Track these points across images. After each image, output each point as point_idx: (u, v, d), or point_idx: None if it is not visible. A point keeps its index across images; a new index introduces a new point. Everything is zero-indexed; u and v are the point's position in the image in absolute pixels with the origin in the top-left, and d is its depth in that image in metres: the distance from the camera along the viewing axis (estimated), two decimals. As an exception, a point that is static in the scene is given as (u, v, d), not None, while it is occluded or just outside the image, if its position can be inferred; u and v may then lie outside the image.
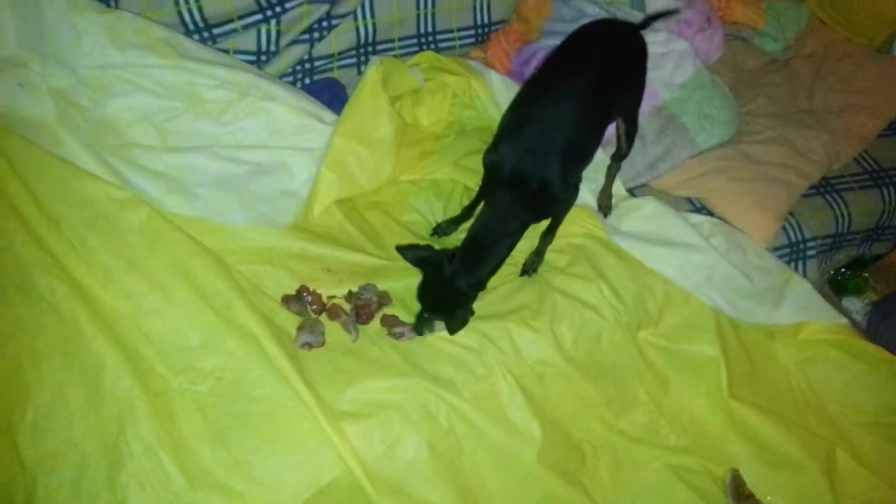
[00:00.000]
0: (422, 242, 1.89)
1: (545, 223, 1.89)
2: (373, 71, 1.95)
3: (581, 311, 1.87)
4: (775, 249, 2.13)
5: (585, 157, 1.83)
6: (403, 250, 1.76)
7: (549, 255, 1.96)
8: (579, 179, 1.86)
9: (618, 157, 2.04)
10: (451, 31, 2.31)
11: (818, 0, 2.62)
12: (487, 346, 1.76)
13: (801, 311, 2.04)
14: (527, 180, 1.68)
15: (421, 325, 1.74)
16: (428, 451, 1.63)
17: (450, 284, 1.69)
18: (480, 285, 1.74)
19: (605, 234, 2.02)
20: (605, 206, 2.09)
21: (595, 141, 1.84)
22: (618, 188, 2.12)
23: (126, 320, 1.61)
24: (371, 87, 1.95)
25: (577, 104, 1.72)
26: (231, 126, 1.86)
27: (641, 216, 2.06)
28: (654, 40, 2.16)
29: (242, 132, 1.87)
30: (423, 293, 1.72)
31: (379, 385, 1.65)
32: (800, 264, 2.16)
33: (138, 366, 1.56)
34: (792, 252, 2.16)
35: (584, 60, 1.78)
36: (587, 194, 2.08)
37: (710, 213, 2.15)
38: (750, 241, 2.08)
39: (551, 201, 1.77)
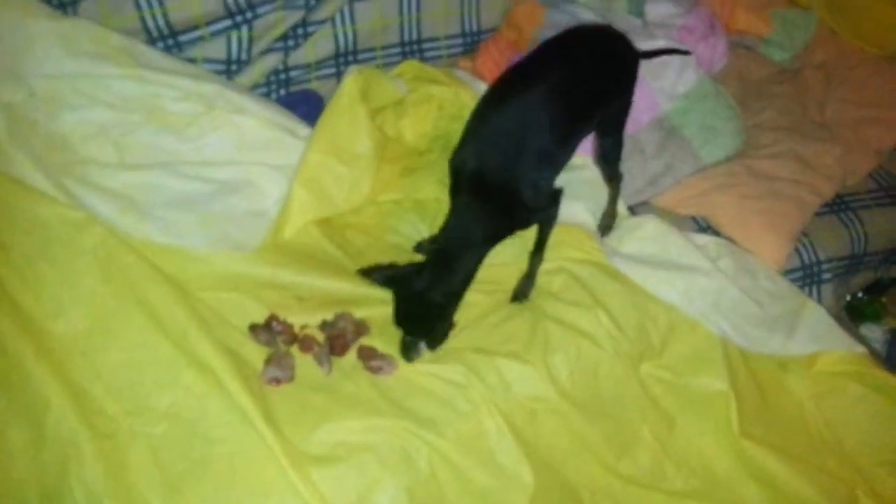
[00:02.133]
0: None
1: (530, 239, 1.75)
2: (350, 81, 1.81)
3: (577, 342, 1.71)
4: (788, 273, 1.97)
5: (555, 162, 1.69)
6: (366, 273, 1.64)
7: (542, 278, 1.81)
8: (558, 191, 1.72)
9: (607, 178, 1.90)
10: (438, 39, 2.17)
11: (827, 8, 2.48)
12: (473, 380, 1.60)
13: (817, 339, 1.88)
14: (491, 182, 1.57)
15: (407, 351, 1.60)
16: (407, 499, 1.46)
17: (422, 299, 1.56)
18: (455, 296, 1.61)
19: (604, 256, 1.86)
20: (603, 225, 1.94)
21: (566, 147, 1.70)
22: (620, 207, 1.96)
23: (76, 355, 1.47)
24: (348, 99, 1.81)
25: (546, 104, 1.60)
26: (196, 141, 1.72)
27: (642, 237, 1.91)
28: (654, 47, 2.01)
29: (209, 148, 1.73)
30: (398, 315, 1.59)
31: (352, 425, 1.50)
32: (814, 289, 2.00)
33: (86, 405, 1.42)
34: (805, 276, 2.00)
35: (559, 61, 1.67)
36: (585, 214, 1.93)
37: (717, 234, 1.99)
38: (760, 264, 1.92)
39: (521, 208, 1.64)
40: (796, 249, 1.99)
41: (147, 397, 1.45)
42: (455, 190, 1.64)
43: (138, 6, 1.73)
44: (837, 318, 1.93)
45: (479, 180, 1.58)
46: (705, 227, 2.01)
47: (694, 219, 2.03)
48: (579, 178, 1.94)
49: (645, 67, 1.99)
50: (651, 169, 1.97)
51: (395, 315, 1.59)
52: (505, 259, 1.83)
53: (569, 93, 1.62)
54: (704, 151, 1.99)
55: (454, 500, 1.51)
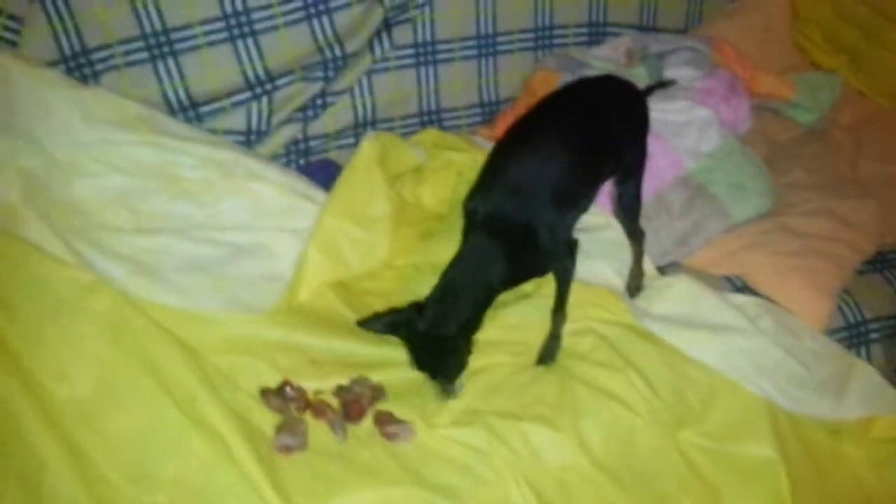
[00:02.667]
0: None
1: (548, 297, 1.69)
2: (367, 145, 1.81)
3: (608, 406, 1.59)
4: (832, 333, 1.84)
5: (573, 207, 1.66)
6: (366, 323, 1.59)
7: (568, 339, 1.71)
8: (574, 242, 1.68)
9: (629, 233, 1.84)
10: (456, 109, 2.18)
11: (851, 69, 2.46)
12: (497, 446, 1.49)
13: (870, 403, 1.73)
14: (507, 223, 1.54)
15: (442, 392, 1.55)
16: (426, 579, 1.35)
17: (429, 337, 1.51)
18: (467, 326, 1.54)
19: (633, 317, 1.77)
20: (631, 286, 1.86)
21: (584, 191, 1.68)
22: (646, 266, 1.89)
23: (78, 420, 1.40)
24: (365, 163, 1.80)
25: (563, 147, 1.60)
26: (211, 208, 1.70)
27: (674, 296, 1.81)
28: (674, 108, 2.00)
29: (224, 214, 1.71)
30: (414, 359, 1.55)
31: (367, 496, 1.39)
32: (862, 349, 1.87)
33: (87, 471, 1.34)
34: (851, 335, 1.87)
35: (568, 107, 1.69)
36: (610, 274, 1.85)
37: (754, 293, 1.89)
38: (802, 324, 1.81)
39: (537, 253, 1.59)
40: (839, 308, 1.87)
41: (152, 465, 1.38)
42: (467, 232, 1.61)
43: (159, 79, 1.77)
44: (890, 380, 1.79)
45: (494, 221, 1.55)
46: (741, 287, 1.91)
47: (728, 279, 1.93)
48: (603, 239, 1.87)
49: (665, 127, 1.98)
50: (678, 228, 1.90)
51: (411, 360, 1.55)
52: (532, 320, 1.75)
53: (580, 134, 1.62)
54: (734, 209, 1.92)
55: (478, 580, 1.38)
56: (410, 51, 2.06)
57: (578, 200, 1.66)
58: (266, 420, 1.50)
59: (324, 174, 1.98)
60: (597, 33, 2.32)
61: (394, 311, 1.59)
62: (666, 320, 1.77)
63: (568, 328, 1.72)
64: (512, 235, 1.55)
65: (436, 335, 1.51)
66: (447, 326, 1.52)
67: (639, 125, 1.79)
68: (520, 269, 1.60)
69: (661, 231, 1.89)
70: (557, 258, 1.64)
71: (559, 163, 1.59)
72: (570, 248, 1.66)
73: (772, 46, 2.50)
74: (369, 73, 2.02)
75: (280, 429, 1.48)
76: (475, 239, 1.59)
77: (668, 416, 1.62)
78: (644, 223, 1.87)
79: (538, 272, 1.67)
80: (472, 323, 1.57)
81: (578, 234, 1.77)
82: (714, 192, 1.93)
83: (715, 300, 1.78)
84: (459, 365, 1.56)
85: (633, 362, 1.67)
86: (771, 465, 1.60)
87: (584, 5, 2.28)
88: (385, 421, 1.53)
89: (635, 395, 1.61)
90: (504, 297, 1.84)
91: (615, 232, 1.89)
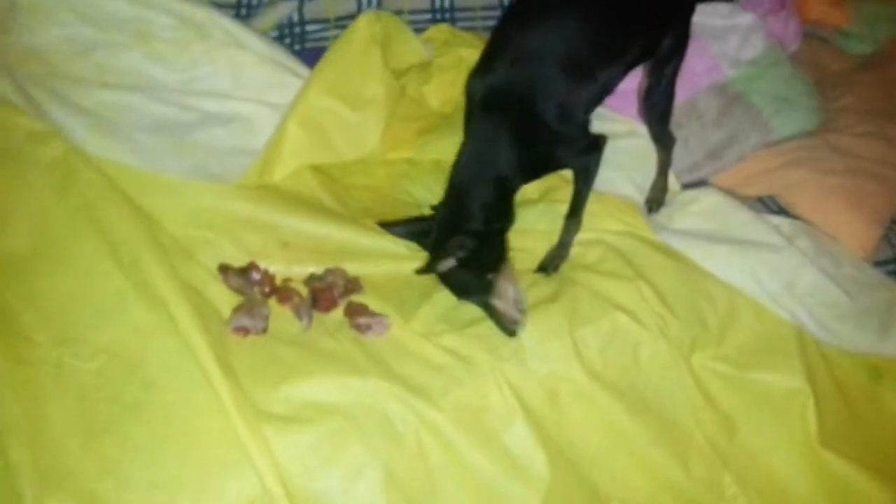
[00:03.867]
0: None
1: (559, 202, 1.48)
2: (364, 21, 1.62)
3: (612, 315, 1.40)
4: (877, 264, 1.62)
5: (587, 79, 1.41)
6: (389, 226, 1.43)
7: (574, 250, 1.52)
8: (599, 137, 1.46)
9: (656, 137, 1.61)
10: (472, 9, 1.97)
11: (915, -1, 2.22)
12: (477, 349, 1.31)
13: (918, 342, 1.51)
14: (507, 97, 1.34)
15: (498, 321, 1.33)
16: (383, 479, 1.17)
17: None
18: (483, 220, 1.36)
19: (649, 230, 1.57)
20: (651, 199, 1.65)
21: (604, 64, 1.42)
22: (672, 180, 1.67)
23: (10, 274, 1.26)
24: (361, 40, 1.61)
25: (579, 5, 1.39)
26: (187, 73, 1.55)
27: (699, 211, 1.61)
28: (715, 11, 1.78)
29: (199, 81, 1.55)
30: (439, 275, 1.37)
31: (326, 383, 1.22)
32: (911, 285, 1.64)
33: (9, 327, 1.20)
34: (900, 270, 1.65)
35: None
36: (628, 186, 1.65)
37: (790, 217, 1.67)
38: (844, 249, 1.59)
39: (547, 136, 1.38)
40: (886, 238, 1.64)
41: (84, 329, 1.22)
42: (468, 116, 1.41)
43: (146, -64, 1.61)
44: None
45: (493, 97, 1.35)
46: (776, 211, 1.69)
47: (761, 200, 1.71)
48: (624, 147, 1.66)
49: (703, 30, 1.76)
50: (712, 139, 1.68)
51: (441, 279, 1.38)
52: (538, 227, 1.56)
53: (612, 5, 1.41)
54: (776, 122, 1.70)
55: (444, 486, 1.20)
56: (427, -68, 1.88)
57: (595, 73, 1.42)
58: (224, 299, 1.33)
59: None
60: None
61: (419, 220, 1.45)
62: (687, 234, 1.57)
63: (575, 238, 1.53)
64: (513, 111, 1.36)
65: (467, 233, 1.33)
66: (463, 224, 1.35)
67: (683, 7, 1.57)
68: (529, 156, 1.39)
69: (692, 140, 1.68)
70: (573, 147, 1.43)
71: (572, 22, 1.38)
72: (594, 142, 1.45)
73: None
74: (379, -45, 1.83)
75: (238, 309, 1.32)
76: (475, 124, 1.40)
77: (681, 333, 1.42)
78: (673, 130, 1.66)
79: (553, 159, 1.45)
80: (494, 215, 1.38)
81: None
82: (754, 101, 1.71)
83: (746, 215, 1.58)
84: (494, 260, 1.37)
85: (644, 274, 1.47)
86: (797, 398, 1.40)
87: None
88: (357, 312, 1.35)
89: (644, 308, 1.42)
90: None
91: (639, 141, 1.68)
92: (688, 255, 1.53)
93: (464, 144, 1.40)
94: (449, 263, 1.32)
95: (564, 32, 1.37)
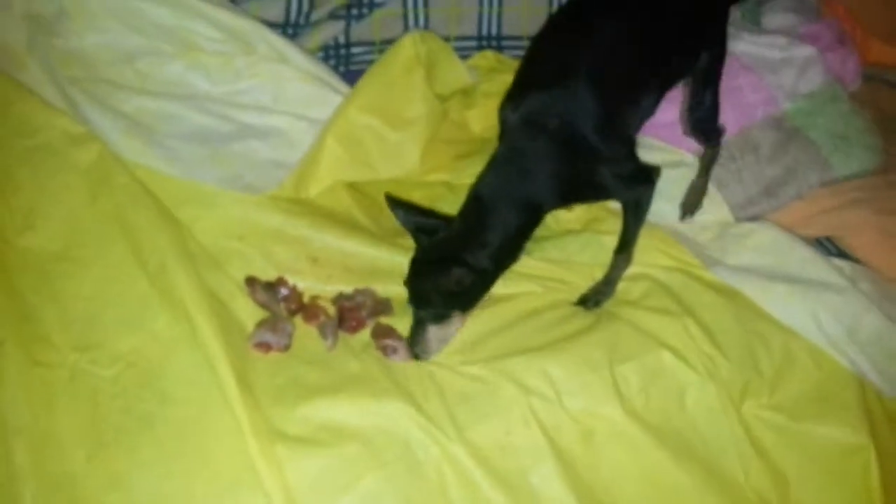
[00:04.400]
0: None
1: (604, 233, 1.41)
2: (409, 41, 1.60)
3: (656, 352, 1.31)
4: (946, 314, 1.50)
5: (627, 97, 1.34)
6: (396, 204, 1.33)
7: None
8: (652, 168, 1.40)
9: (701, 134, 1.53)
10: (520, 38, 1.93)
11: None
12: (505, 380, 1.23)
13: None
14: (548, 116, 1.26)
15: (415, 337, 1.26)
16: (402, 512, 1.08)
17: (445, 252, 1.24)
18: (494, 256, 1.25)
19: (700, 265, 1.48)
20: (688, 203, 1.56)
21: (644, 82, 1.36)
22: (724, 214, 1.59)
23: (35, 274, 1.24)
24: (404, 60, 1.59)
25: (614, 24, 1.33)
26: (230, 85, 1.53)
27: (756, 245, 1.51)
28: (772, 43, 1.71)
29: (241, 94, 1.54)
30: (412, 274, 1.28)
31: (346, 406, 1.16)
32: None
33: (28, 328, 1.16)
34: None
35: None
36: (669, 209, 1.57)
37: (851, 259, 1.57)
38: (910, 297, 1.48)
39: (588, 153, 1.29)
40: (958, 287, 1.52)
41: (104, 334, 1.19)
42: (501, 136, 1.34)
43: (195, -49, 1.62)
44: None
45: (534, 116, 1.28)
46: (835, 253, 1.59)
47: (819, 242, 1.61)
48: (674, 177, 1.58)
49: (758, 62, 1.69)
50: (767, 174, 1.59)
51: (407, 276, 1.29)
52: (580, 259, 1.49)
53: (638, 12, 1.35)
54: (836, 159, 1.60)
55: (467, 528, 1.10)
56: (475, -39, 1.86)
57: (633, 90, 1.36)
58: (249, 313, 1.29)
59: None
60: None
61: (430, 214, 1.38)
62: (743, 270, 1.48)
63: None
64: (552, 130, 1.28)
65: (455, 256, 1.23)
66: (473, 250, 1.25)
67: (717, 19, 1.52)
68: (569, 174, 1.30)
69: (746, 174, 1.59)
70: (621, 170, 1.34)
71: (608, 41, 1.32)
72: (645, 172, 1.38)
73: (890, 15, 2.18)
74: (426, -20, 1.82)
75: (262, 324, 1.27)
76: (509, 141, 1.32)
77: (732, 377, 1.32)
78: (726, 163, 1.59)
79: (597, 189, 1.36)
80: (506, 251, 1.29)
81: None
82: (812, 137, 1.62)
83: (805, 252, 1.48)
84: (472, 299, 1.29)
85: (693, 312, 1.38)
86: (857, 455, 1.28)
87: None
88: (383, 334, 1.29)
89: (691, 347, 1.32)
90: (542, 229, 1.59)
91: (689, 171, 1.60)
92: (743, 292, 1.44)
93: (493, 159, 1.31)
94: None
95: (600, 51, 1.31)
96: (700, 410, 1.29)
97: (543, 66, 1.34)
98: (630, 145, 1.38)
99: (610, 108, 1.31)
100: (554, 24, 1.47)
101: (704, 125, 1.51)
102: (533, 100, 1.29)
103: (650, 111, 1.41)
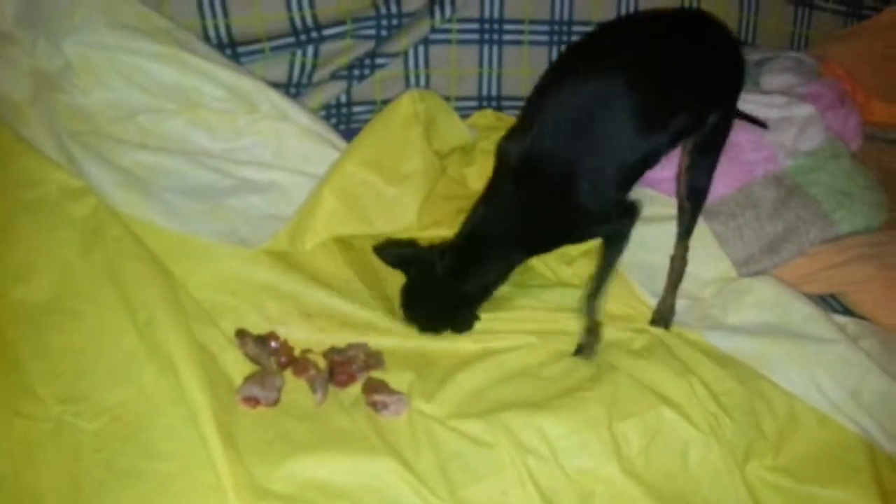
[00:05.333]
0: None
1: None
2: (409, 99, 1.61)
3: (657, 410, 1.27)
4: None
5: (630, 152, 1.34)
6: (380, 250, 1.41)
7: (617, 334, 1.42)
8: (634, 203, 1.39)
9: (686, 212, 1.48)
10: (519, 98, 1.95)
11: None
12: (502, 438, 1.19)
13: None
14: (545, 167, 1.29)
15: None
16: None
17: (445, 285, 1.31)
18: (484, 289, 1.34)
19: (694, 334, 1.46)
20: (658, 318, 1.49)
21: (646, 135, 1.34)
22: (725, 268, 1.56)
23: (25, 326, 1.22)
24: (403, 117, 1.60)
25: (623, 79, 1.31)
26: (230, 143, 1.54)
27: (756, 302, 1.48)
28: (771, 102, 1.72)
29: (242, 151, 1.55)
30: (410, 298, 1.35)
31: (333, 463, 1.12)
32: None
33: (13, 378, 1.14)
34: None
35: (642, 35, 1.42)
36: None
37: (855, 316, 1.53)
38: (917, 355, 1.43)
39: (576, 214, 1.32)
40: (969, 346, 1.48)
41: (91, 387, 1.16)
42: (496, 176, 1.37)
43: (202, 13, 1.64)
44: None
45: (531, 163, 1.29)
46: (840, 311, 1.56)
47: (824, 299, 1.58)
48: (671, 232, 1.56)
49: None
50: (768, 231, 1.57)
51: (402, 296, 1.36)
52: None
53: (646, 67, 1.34)
54: (837, 216, 1.58)
55: None
56: (475, 25, 1.88)
57: (638, 146, 1.34)
58: (239, 367, 1.27)
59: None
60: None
61: (413, 245, 1.41)
62: (742, 332, 1.45)
63: (618, 318, 1.44)
64: (546, 183, 1.30)
65: (455, 287, 1.31)
66: (467, 282, 1.31)
67: (729, 78, 1.49)
68: (552, 228, 1.35)
69: (747, 230, 1.57)
70: (605, 222, 1.36)
71: (617, 92, 1.31)
72: (629, 208, 1.38)
73: (890, 74, 2.20)
74: (426, 42, 1.84)
75: (250, 378, 1.24)
76: (505, 184, 1.35)
77: (736, 437, 1.28)
78: (727, 220, 1.58)
79: (578, 234, 1.39)
80: (493, 283, 1.35)
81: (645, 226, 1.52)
82: (813, 193, 1.61)
83: (807, 308, 1.45)
84: (467, 322, 1.35)
85: (693, 369, 1.35)
86: (869, 520, 1.22)
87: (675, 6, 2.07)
88: (374, 389, 1.26)
89: (696, 405, 1.28)
90: (544, 278, 1.58)
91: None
92: (743, 356, 1.41)
93: (488, 198, 1.36)
94: None
95: (608, 102, 1.31)
96: (704, 471, 1.24)
97: (554, 108, 1.34)
98: (621, 201, 1.38)
99: (610, 170, 1.32)
100: (563, 69, 1.49)
101: (698, 191, 1.47)
102: (535, 148, 1.30)
103: (652, 166, 1.40)
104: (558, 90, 1.36)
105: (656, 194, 1.60)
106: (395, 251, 1.40)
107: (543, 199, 1.30)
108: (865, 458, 1.28)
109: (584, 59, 1.44)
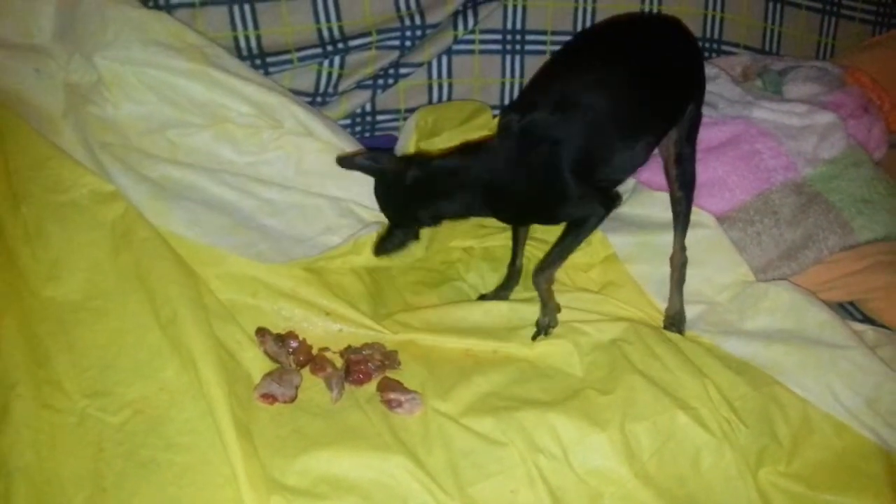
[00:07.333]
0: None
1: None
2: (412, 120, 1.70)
3: (671, 413, 1.27)
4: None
5: (626, 141, 1.37)
6: (345, 161, 1.41)
7: (632, 336, 1.42)
8: (615, 193, 1.42)
9: (684, 186, 1.51)
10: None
11: None
12: (514, 436, 1.21)
13: None
14: (542, 141, 1.31)
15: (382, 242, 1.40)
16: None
17: (407, 198, 1.36)
18: (433, 219, 1.40)
19: (713, 338, 1.46)
20: (669, 322, 1.52)
21: (643, 124, 1.39)
22: (743, 273, 1.55)
23: (54, 323, 1.28)
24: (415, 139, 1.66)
25: (619, 69, 1.39)
26: (255, 156, 1.59)
27: (772, 308, 1.48)
28: (791, 110, 1.71)
29: (265, 165, 1.59)
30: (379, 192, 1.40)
31: (346, 458, 1.15)
32: None
33: (42, 372, 1.19)
34: None
35: (636, 35, 1.54)
36: (696, 279, 1.54)
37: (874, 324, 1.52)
38: (937, 365, 1.41)
39: (558, 194, 1.33)
40: None
41: (115, 382, 1.22)
42: (494, 137, 1.39)
43: (233, 25, 1.72)
44: None
45: (531, 135, 1.31)
46: (859, 319, 1.55)
47: (843, 307, 1.57)
48: (696, 238, 1.54)
49: (778, 129, 1.69)
50: (787, 238, 1.57)
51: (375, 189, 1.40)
52: (603, 308, 1.53)
53: (638, 63, 1.40)
54: (857, 224, 1.57)
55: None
56: (497, 35, 1.92)
57: (634, 135, 1.38)
58: (258, 364, 1.31)
59: (386, 149, 1.84)
60: (710, 49, 2.10)
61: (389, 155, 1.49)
62: (758, 337, 1.44)
63: (633, 321, 1.46)
64: (539, 157, 1.31)
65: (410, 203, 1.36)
66: (426, 206, 1.36)
67: (699, 77, 1.56)
68: (529, 199, 1.35)
69: (765, 237, 1.57)
70: (577, 206, 1.35)
71: (619, 79, 1.37)
72: (609, 196, 1.39)
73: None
74: (450, 53, 1.88)
75: (269, 375, 1.29)
76: (501, 144, 1.35)
77: (749, 442, 1.28)
78: (745, 227, 1.58)
79: (548, 211, 1.39)
80: (442, 217, 1.39)
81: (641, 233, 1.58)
82: (833, 200, 1.60)
83: (823, 314, 1.44)
84: (396, 241, 1.39)
85: (709, 375, 1.35)
86: (884, 529, 1.21)
87: (699, 19, 2.08)
88: (389, 388, 1.29)
89: (709, 409, 1.29)
90: (561, 284, 1.59)
91: (705, 232, 1.56)
92: (758, 363, 1.41)
93: (479, 147, 1.39)
94: None
95: (611, 89, 1.36)
96: (716, 476, 1.24)
97: (554, 91, 1.37)
98: (603, 191, 1.39)
99: (603, 156, 1.35)
100: (572, 48, 1.60)
101: (689, 177, 1.50)
102: (538, 119, 1.33)
103: (642, 157, 1.43)
104: (561, 71, 1.44)
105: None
106: (364, 159, 1.39)
107: (532, 168, 1.31)
108: (882, 467, 1.26)
109: (583, 49, 1.54)
